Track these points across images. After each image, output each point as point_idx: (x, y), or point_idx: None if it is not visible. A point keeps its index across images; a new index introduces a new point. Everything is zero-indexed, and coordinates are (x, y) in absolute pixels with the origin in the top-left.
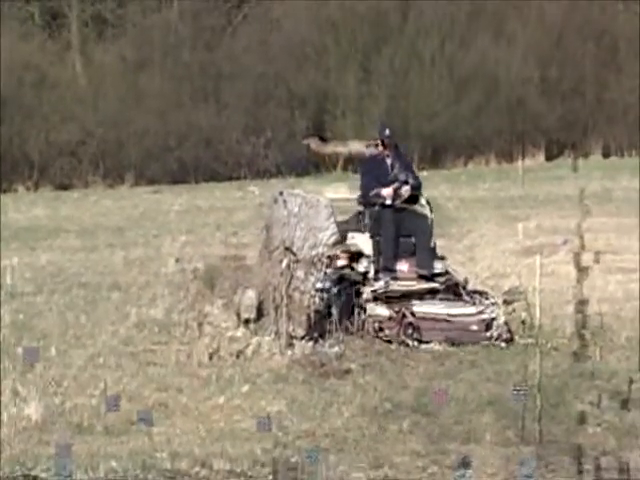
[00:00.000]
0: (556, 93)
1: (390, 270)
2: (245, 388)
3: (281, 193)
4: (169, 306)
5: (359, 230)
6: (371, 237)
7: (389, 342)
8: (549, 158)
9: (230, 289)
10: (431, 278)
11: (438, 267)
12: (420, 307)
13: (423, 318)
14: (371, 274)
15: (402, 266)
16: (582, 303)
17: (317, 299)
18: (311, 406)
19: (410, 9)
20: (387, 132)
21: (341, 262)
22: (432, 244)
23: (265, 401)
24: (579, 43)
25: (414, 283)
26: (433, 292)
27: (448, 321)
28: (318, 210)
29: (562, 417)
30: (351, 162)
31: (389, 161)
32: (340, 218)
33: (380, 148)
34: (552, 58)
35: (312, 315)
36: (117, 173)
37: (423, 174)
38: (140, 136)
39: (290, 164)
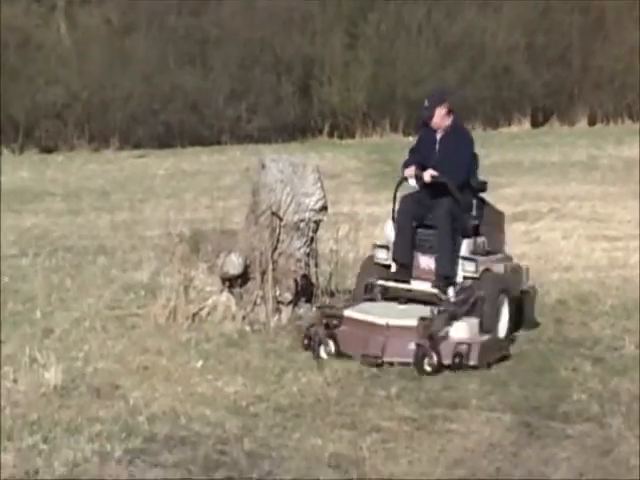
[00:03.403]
0: (542, 61)
1: (400, 264)
2: (231, 351)
3: (268, 158)
4: (155, 270)
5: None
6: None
7: None
8: (535, 125)
9: (214, 253)
10: (453, 281)
11: (470, 269)
12: (394, 319)
13: (396, 334)
14: (393, 268)
15: (424, 263)
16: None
17: (303, 264)
18: (298, 370)
19: None
20: (426, 103)
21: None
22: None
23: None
24: (565, 11)
25: (428, 285)
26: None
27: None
28: (305, 175)
29: (547, 384)
30: (337, 128)
31: (438, 137)
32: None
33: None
34: (538, 26)
35: (299, 280)
36: (102, 136)
37: (409, 139)
38: (125, 100)
39: (276, 129)
